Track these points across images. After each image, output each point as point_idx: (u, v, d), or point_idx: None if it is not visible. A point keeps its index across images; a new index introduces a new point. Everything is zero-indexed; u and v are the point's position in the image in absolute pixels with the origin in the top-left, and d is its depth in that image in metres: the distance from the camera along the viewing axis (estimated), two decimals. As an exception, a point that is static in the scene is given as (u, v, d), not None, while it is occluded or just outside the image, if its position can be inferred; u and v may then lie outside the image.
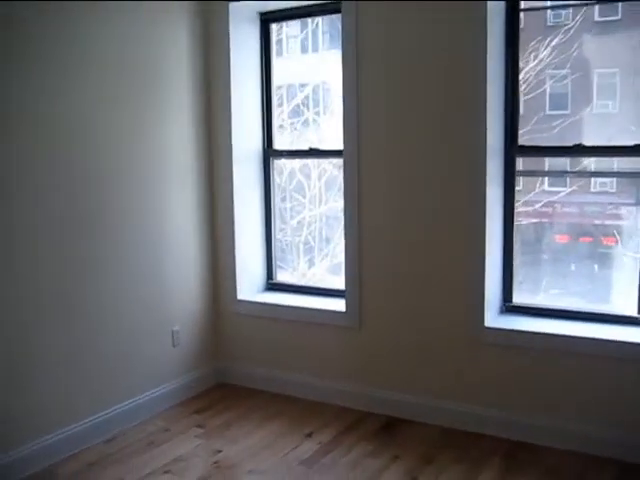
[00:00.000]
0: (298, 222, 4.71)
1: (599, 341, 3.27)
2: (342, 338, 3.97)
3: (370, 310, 3.87)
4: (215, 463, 3.32)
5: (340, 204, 4.10)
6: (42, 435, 3.30)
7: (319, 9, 4.12)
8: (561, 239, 3.93)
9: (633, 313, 3.39)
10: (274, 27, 4.39)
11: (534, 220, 3.89)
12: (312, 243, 4.75)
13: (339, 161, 4.33)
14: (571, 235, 3.91)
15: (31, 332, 3.23)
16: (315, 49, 4.63)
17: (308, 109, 4.59)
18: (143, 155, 3.78)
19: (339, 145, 3.93)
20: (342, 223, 3.99)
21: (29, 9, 3.13)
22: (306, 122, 4.60)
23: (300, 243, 4.73)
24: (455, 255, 3.58)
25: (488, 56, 3.39)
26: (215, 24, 4.14)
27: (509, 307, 3.71)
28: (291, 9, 4.20)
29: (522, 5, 3.57)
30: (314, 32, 4.55)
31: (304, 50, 4.63)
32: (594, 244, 3.78)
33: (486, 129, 3.42)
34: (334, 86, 4.47)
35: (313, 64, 4.67)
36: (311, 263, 4.71)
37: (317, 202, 4.66)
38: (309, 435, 3.61)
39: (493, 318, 3.60)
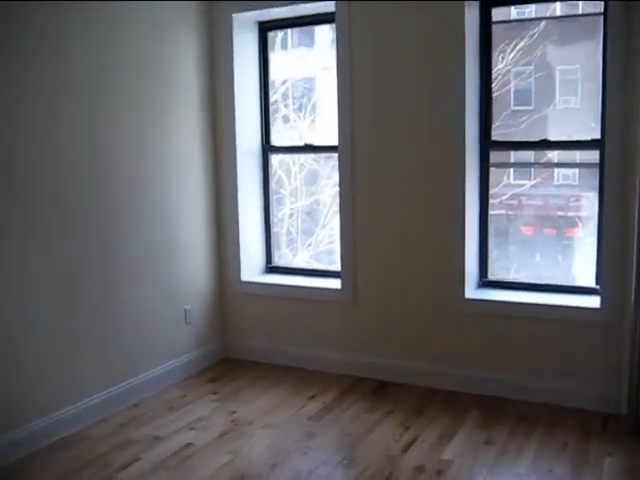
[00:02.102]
0: (282, 214, 5.11)
1: (563, 307, 3.80)
2: (338, 313, 4.44)
3: (363, 287, 4.34)
4: (233, 421, 3.77)
5: (321, 197, 4.51)
6: (74, 402, 3.68)
7: (314, 19, 4.55)
8: (527, 230, 4.35)
9: (591, 284, 3.92)
10: (270, 34, 4.84)
11: (501, 212, 4.29)
12: (294, 234, 5.20)
13: (318, 156, 4.79)
14: (536, 226, 4.34)
15: (65, 317, 3.60)
16: (284, 47, 4.98)
17: (285, 106, 4.95)
18: (156, 150, 4.18)
19: (322, 139, 4.30)
20: (322, 215, 4.42)
21: (39, 9, 3.36)
22: (286, 118, 4.95)
23: (283, 235, 5.16)
24: (439, 238, 4.06)
25: (466, 60, 3.86)
26: (220, 32, 4.56)
27: (485, 282, 4.21)
28: (287, 19, 4.64)
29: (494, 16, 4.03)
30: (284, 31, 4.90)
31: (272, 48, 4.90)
32: (558, 235, 4.24)
33: (465, 126, 3.91)
34: (311, 83, 4.85)
35: (285, 62, 4.96)
36: (295, 252, 5.16)
37: (298, 195, 5.05)
38: (312, 397, 4.08)
39: (472, 291, 4.10)
